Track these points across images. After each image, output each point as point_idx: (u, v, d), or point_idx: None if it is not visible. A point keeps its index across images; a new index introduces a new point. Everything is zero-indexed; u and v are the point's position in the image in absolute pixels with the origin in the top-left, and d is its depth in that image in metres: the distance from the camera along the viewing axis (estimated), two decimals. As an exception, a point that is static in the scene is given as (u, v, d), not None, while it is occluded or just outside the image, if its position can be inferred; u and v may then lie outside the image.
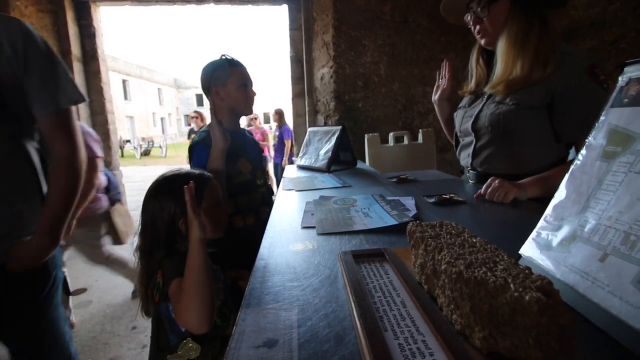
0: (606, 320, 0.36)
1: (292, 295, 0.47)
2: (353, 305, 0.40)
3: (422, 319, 0.38)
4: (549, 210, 0.51)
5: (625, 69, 0.48)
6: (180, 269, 0.74)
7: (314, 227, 0.77)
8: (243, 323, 0.41)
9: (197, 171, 0.94)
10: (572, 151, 1.02)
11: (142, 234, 0.85)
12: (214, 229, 0.90)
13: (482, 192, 0.94)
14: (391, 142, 2.67)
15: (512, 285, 0.30)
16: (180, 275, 0.74)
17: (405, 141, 2.66)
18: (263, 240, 0.72)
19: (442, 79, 1.33)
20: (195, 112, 5.22)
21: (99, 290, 2.54)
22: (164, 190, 0.86)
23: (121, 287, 2.51)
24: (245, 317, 0.43)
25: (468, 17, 1.07)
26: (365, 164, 2.07)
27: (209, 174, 0.96)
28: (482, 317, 0.31)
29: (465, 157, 1.17)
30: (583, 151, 0.49)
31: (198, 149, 1.25)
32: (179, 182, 0.85)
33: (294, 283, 0.51)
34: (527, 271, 0.32)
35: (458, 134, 1.22)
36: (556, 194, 0.50)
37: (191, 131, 5.25)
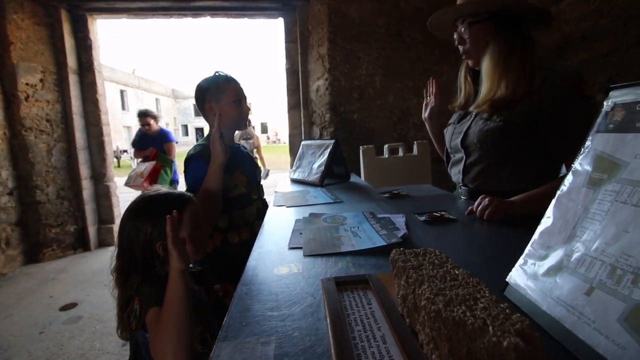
0: (593, 359, 0.35)
1: (271, 327, 0.45)
2: (331, 342, 0.38)
3: (402, 357, 0.36)
4: (535, 236, 0.49)
5: (610, 93, 0.47)
6: (158, 296, 0.71)
7: (301, 248, 0.75)
8: (217, 359, 0.40)
9: (176, 192, 0.91)
10: (564, 167, 1.01)
11: (118, 256, 0.82)
12: (194, 251, 0.87)
13: (473, 208, 0.93)
14: (386, 154, 2.67)
15: (490, 328, 0.28)
16: (157, 304, 0.71)
17: (400, 153, 2.66)
18: (248, 262, 0.70)
19: (429, 96, 1.33)
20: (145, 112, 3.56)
21: (90, 305, 2.48)
22: (141, 212, 0.83)
23: (111, 302, 2.45)
24: (220, 352, 0.41)
25: (455, 36, 1.08)
26: (359, 177, 2.06)
27: (189, 194, 0.93)
28: (461, 360, 0.30)
29: (456, 174, 1.16)
30: (569, 177, 0.48)
31: (194, 162, 1.23)
32: (157, 203, 0.83)
33: (275, 312, 0.49)
34: (507, 311, 0.31)
35: (449, 150, 1.22)
36: (542, 220, 0.49)
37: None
